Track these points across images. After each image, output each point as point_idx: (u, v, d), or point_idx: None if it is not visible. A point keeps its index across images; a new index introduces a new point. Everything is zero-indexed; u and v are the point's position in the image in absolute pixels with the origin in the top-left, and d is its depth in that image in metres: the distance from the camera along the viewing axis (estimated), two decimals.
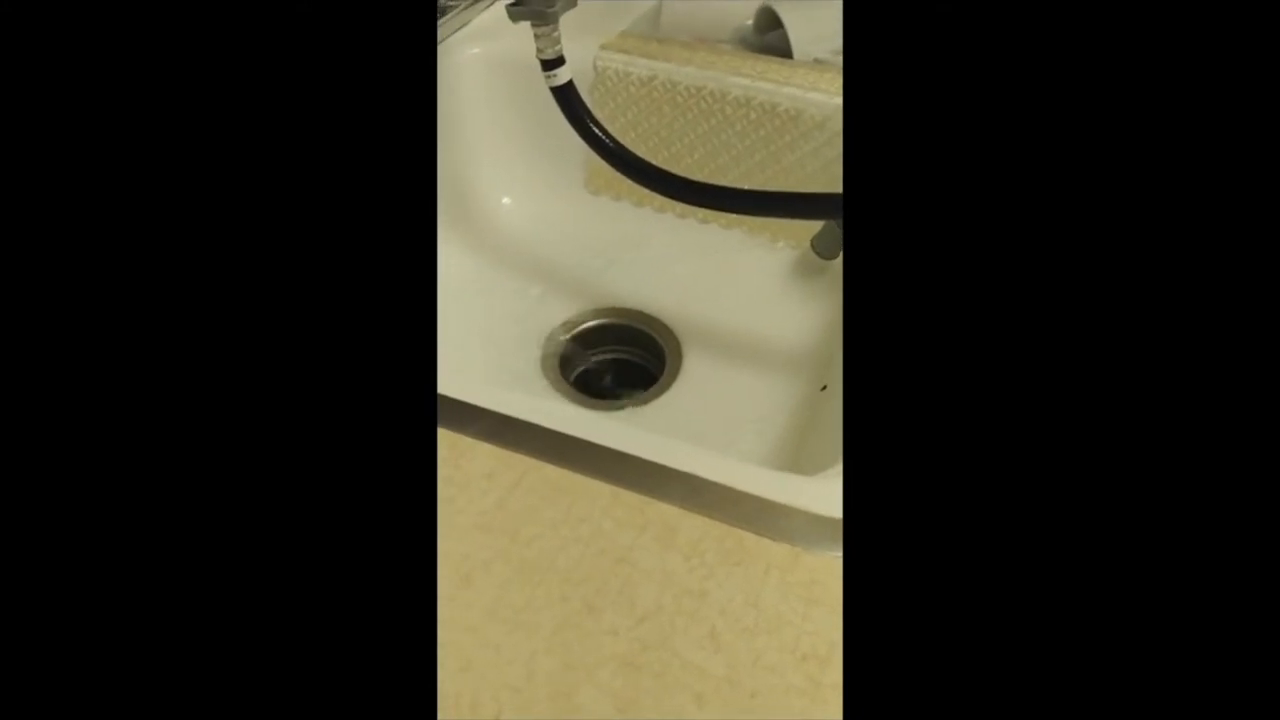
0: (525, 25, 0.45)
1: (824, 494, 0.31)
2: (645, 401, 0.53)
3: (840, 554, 0.29)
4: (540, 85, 0.47)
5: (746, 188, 0.56)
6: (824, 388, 0.50)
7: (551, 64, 0.46)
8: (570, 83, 0.47)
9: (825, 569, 0.28)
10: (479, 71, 0.61)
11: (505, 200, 0.64)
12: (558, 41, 0.46)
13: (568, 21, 0.46)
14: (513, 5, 0.45)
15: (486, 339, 0.57)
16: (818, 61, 0.66)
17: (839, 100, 0.53)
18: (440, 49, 0.60)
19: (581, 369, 0.58)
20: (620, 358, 0.59)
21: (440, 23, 0.62)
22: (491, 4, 0.65)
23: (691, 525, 0.30)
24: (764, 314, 0.56)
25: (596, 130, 0.48)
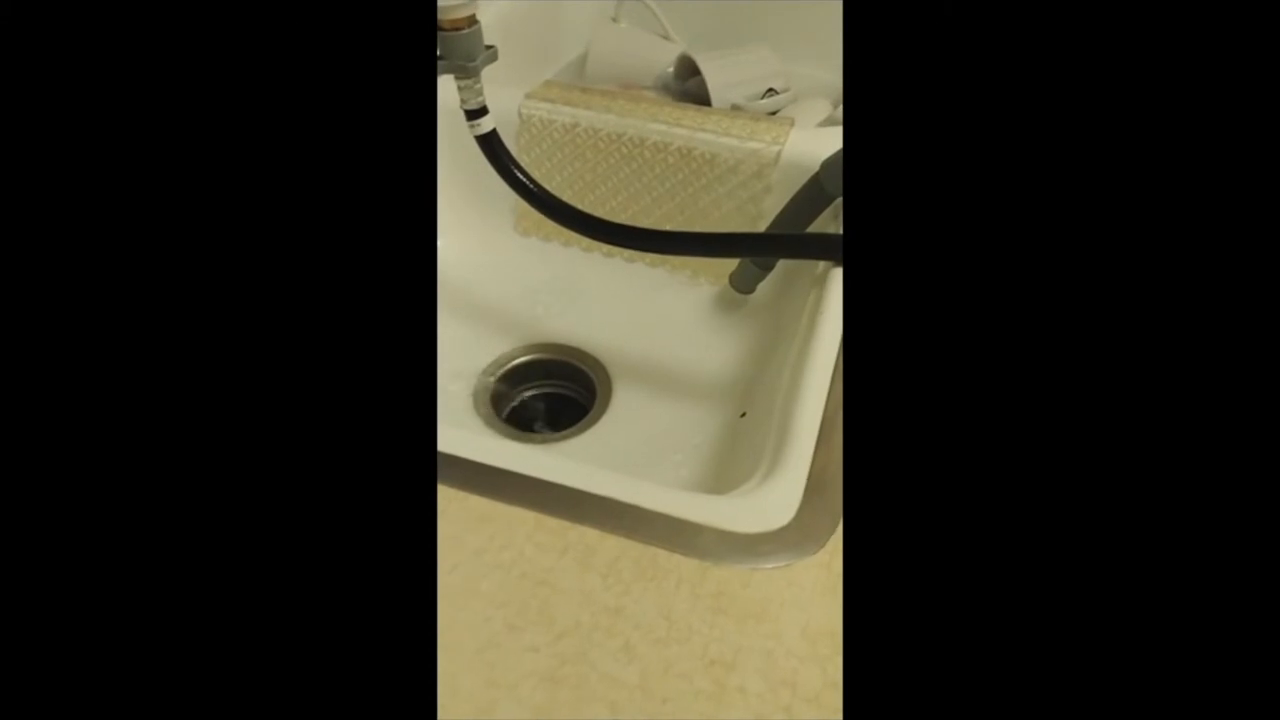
0: None
1: (731, 511, 0.33)
2: (577, 434, 0.55)
3: (745, 566, 0.31)
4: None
5: (667, 228, 0.59)
6: (743, 414, 0.52)
7: (475, 114, 0.48)
8: (494, 131, 0.49)
9: (732, 580, 0.30)
10: None
11: (437, 242, 0.66)
12: (480, 93, 0.48)
13: (499, 70, 0.48)
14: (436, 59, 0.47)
15: None
16: (735, 107, 0.70)
17: (752, 144, 0.56)
18: None
19: (514, 405, 0.60)
20: (553, 392, 0.61)
21: None
22: None
23: (609, 546, 0.32)
24: (688, 346, 0.59)
25: (520, 175, 0.50)
